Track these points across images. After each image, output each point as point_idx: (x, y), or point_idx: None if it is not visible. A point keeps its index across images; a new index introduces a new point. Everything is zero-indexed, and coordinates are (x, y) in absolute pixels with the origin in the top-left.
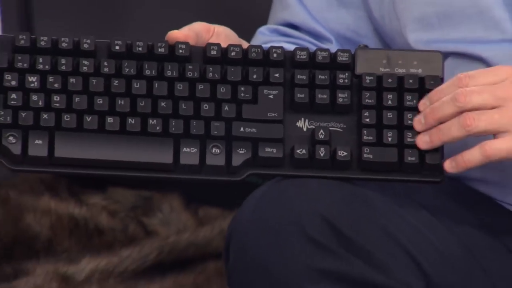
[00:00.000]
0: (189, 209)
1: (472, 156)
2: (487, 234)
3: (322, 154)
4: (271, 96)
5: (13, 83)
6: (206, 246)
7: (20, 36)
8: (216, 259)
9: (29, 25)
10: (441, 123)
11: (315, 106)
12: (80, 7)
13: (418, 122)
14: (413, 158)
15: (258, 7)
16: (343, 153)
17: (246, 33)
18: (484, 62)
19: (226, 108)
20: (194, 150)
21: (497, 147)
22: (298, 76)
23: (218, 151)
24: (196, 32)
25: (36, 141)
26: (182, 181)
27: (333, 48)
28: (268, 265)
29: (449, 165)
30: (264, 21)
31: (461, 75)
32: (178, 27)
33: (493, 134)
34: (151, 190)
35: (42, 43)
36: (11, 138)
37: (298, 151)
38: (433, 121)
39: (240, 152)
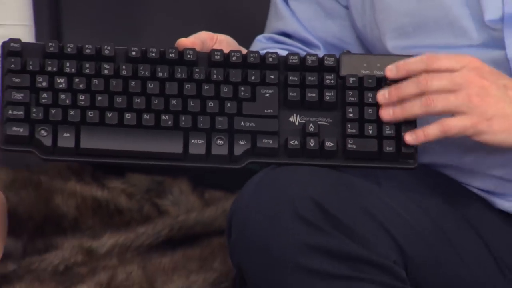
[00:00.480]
0: (196, 192)
1: (432, 130)
2: (454, 213)
3: (312, 145)
4: (267, 95)
5: (44, 84)
6: (211, 224)
7: (50, 44)
8: (219, 235)
9: (59, 34)
10: (401, 100)
11: (306, 103)
12: (102, 18)
13: (382, 96)
14: (390, 148)
15: (257, 19)
16: (330, 144)
17: (246, 41)
18: None
19: (229, 105)
20: (201, 141)
21: (452, 124)
22: (291, 78)
23: (222, 142)
24: (202, 40)
25: (65, 134)
26: (190, 169)
27: (321, 53)
28: (265, 241)
29: (409, 137)
30: (261, 31)
31: (429, 55)
32: (186, 35)
33: (450, 114)
34: (163, 175)
35: (69, 49)
36: (42, 131)
37: (291, 142)
38: (396, 97)
39: (241, 143)
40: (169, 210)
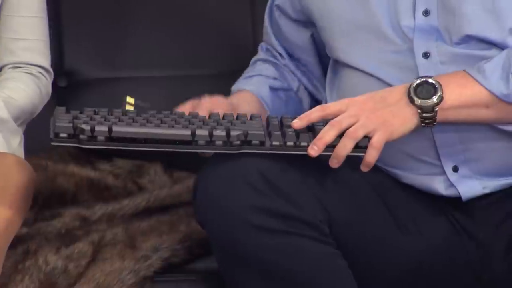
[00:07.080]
0: (167, 172)
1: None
2: (367, 185)
3: (289, 134)
4: (255, 121)
5: (83, 116)
6: (178, 197)
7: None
8: (185, 206)
9: (61, 45)
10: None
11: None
12: (98, 46)
13: (313, 150)
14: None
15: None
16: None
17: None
18: (380, 80)
19: (225, 120)
20: (205, 132)
21: (375, 140)
22: (272, 118)
23: (221, 132)
24: (193, 105)
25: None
26: (198, 153)
27: (286, 61)
28: (222, 203)
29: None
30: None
31: (319, 106)
32: (167, 52)
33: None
34: (142, 160)
35: (99, 113)
36: (84, 125)
37: (274, 132)
38: (323, 145)
39: (236, 133)
40: (146, 187)
